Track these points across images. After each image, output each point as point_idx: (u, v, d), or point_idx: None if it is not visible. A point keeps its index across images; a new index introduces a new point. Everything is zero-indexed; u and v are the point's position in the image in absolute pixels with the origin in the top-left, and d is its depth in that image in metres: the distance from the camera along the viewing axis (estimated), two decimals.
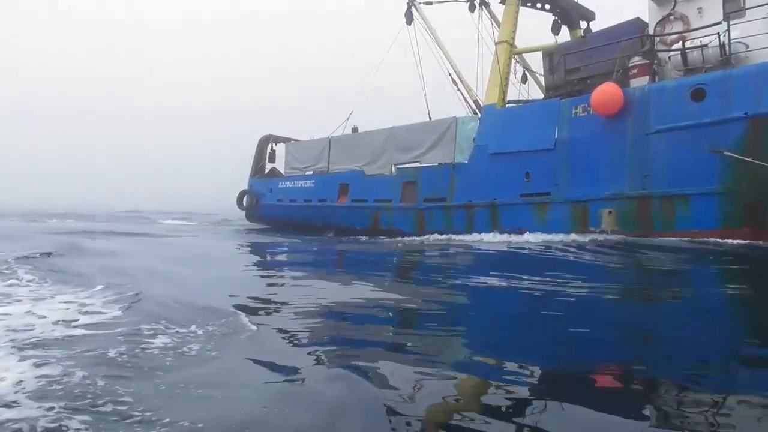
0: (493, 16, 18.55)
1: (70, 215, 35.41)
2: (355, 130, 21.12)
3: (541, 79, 17.04)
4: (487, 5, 18.58)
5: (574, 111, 13.25)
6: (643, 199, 12.05)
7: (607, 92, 12.26)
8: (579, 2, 18.05)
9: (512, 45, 15.69)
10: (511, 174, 14.16)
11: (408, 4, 19.09)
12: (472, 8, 18.54)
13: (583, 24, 18.14)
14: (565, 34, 17.94)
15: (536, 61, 17.69)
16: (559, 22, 17.84)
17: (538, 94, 18.03)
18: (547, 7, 17.63)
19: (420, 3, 18.85)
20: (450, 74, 17.17)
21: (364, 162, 18.33)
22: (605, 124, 12.62)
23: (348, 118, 21.22)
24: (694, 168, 11.38)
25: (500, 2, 17.21)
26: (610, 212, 12.50)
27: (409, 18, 19.05)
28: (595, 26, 18.23)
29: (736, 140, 10.92)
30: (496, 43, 15.74)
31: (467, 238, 14.47)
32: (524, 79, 17.35)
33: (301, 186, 20.70)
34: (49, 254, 10.10)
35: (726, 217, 11.17)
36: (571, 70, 14.10)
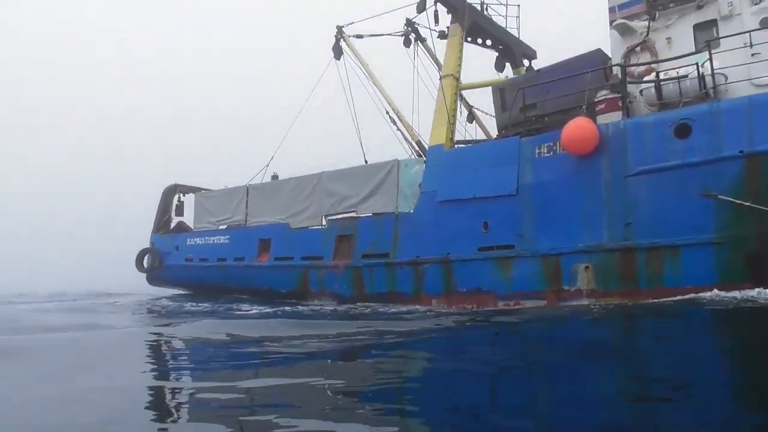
0: (429, 52, 16.99)
1: None
2: (275, 177, 18.66)
3: (487, 119, 15.50)
4: (423, 40, 17.00)
5: (537, 151, 11.51)
6: (626, 252, 10.29)
7: (581, 128, 10.59)
8: (521, 40, 16.78)
9: (458, 80, 13.98)
10: (465, 224, 12.14)
11: (336, 37, 17.19)
12: (407, 43, 16.92)
13: (525, 62, 16.91)
14: (508, 72, 16.58)
15: (479, 100, 16.20)
16: (503, 59, 16.47)
17: (481, 136, 16.48)
18: (489, 43, 16.23)
19: (350, 36, 16.98)
20: (388, 113, 15.22)
21: (288, 213, 15.82)
22: (575, 164, 10.91)
23: (268, 165, 18.77)
24: (684, 214, 9.78)
25: (438, 37, 15.72)
26: (587, 267, 10.65)
27: (338, 52, 17.12)
28: (537, 64, 17.07)
29: (732, 182, 9.43)
30: (440, 78, 13.98)
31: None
32: (471, 118, 15.68)
33: (214, 242, 17.77)
34: None
35: (724, 270, 9.53)
36: (528, 106, 12.43)
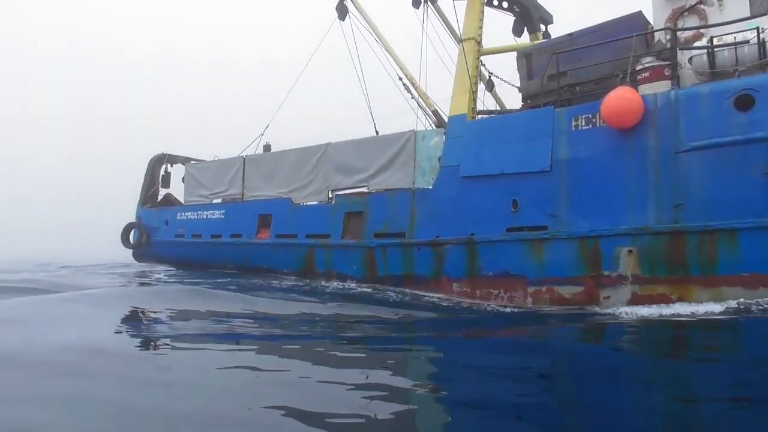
0: (440, 14, 15.72)
1: None
2: (267, 148, 17.42)
3: (503, 88, 14.45)
4: (434, 1, 15.70)
5: (574, 123, 10.50)
6: (675, 235, 9.40)
7: (624, 99, 9.58)
8: (538, 2, 15.60)
9: (479, 44, 12.83)
10: (492, 202, 11.16)
11: None
12: (416, 3, 15.60)
13: (541, 27, 15.77)
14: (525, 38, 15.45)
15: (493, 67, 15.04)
16: (520, 23, 15.30)
17: (494, 105, 15.40)
18: (505, 5, 15.04)
19: None
20: (401, 79, 14.00)
21: (290, 187, 14.65)
22: (618, 139, 9.93)
23: (263, 134, 17.49)
24: (743, 195, 8.88)
25: None
26: (630, 251, 9.75)
27: (342, 11, 15.77)
28: (554, 30, 15.97)
29: None
30: (460, 41, 12.77)
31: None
32: (490, 87, 14.53)
33: (208, 217, 16.53)
34: None
35: None
36: (559, 74, 11.36)
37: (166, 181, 19.49)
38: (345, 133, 14.45)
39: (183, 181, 18.64)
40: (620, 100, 9.64)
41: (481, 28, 12.87)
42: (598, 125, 10.18)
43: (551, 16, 16.19)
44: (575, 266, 10.24)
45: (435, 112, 13.59)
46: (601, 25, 11.59)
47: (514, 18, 15.23)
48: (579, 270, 10.20)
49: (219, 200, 16.65)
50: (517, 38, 15.17)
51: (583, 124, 10.39)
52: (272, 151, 17.08)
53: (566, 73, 11.44)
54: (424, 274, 11.98)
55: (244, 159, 16.11)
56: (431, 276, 11.87)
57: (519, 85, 12.94)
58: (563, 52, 11.15)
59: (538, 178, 10.69)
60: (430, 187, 12.09)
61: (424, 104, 13.73)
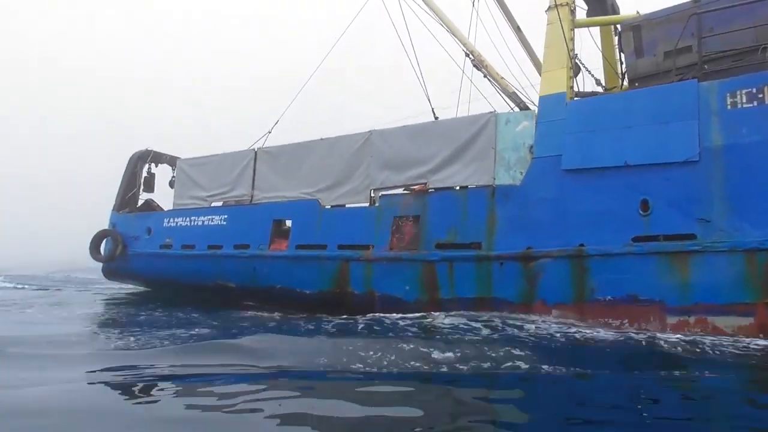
0: None
1: None
2: None
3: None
4: None
5: (730, 100, 7.92)
6: None
7: None
8: None
9: (573, 12, 10.31)
10: (611, 203, 8.43)
11: None
12: None
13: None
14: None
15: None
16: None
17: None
18: None
19: None
20: (468, 55, 11.29)
21: (317, 187, 11.61)
22: None
23: (276, 123, 14.29)
24: None
25: None
26: None
27: None
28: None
29: None
30: (551, 8, 10.19)
31: None
32: (575, 71, 11.96)
33: (205, 224, 13.24)
34: None
35: None
36: (680, 50, 8.87)
37: (149, 184, 16.18)
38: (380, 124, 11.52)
39: (171, 185, 15.43)
40: None
41: None
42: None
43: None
44: (740, 289, 7.49)
45: (514, 95, 10.89)
46: None
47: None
48: (746, 294, 7.45)
49: (220, 203, 13.42)
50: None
51: (745, 100, 7.81)
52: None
53: (690, 48, 8.97)
54: (507, 298, 9.04)
55: (256, 152, 13.00)
56: (519, 300, 8.94)
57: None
58: (703, 12, 8.64)
59: (680, 171, 8.02)
60: (518, 184, 9.29)
61: (499, 86, 11.00)
